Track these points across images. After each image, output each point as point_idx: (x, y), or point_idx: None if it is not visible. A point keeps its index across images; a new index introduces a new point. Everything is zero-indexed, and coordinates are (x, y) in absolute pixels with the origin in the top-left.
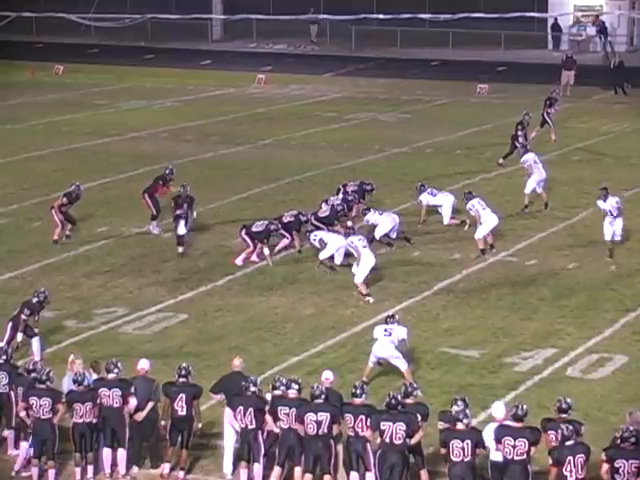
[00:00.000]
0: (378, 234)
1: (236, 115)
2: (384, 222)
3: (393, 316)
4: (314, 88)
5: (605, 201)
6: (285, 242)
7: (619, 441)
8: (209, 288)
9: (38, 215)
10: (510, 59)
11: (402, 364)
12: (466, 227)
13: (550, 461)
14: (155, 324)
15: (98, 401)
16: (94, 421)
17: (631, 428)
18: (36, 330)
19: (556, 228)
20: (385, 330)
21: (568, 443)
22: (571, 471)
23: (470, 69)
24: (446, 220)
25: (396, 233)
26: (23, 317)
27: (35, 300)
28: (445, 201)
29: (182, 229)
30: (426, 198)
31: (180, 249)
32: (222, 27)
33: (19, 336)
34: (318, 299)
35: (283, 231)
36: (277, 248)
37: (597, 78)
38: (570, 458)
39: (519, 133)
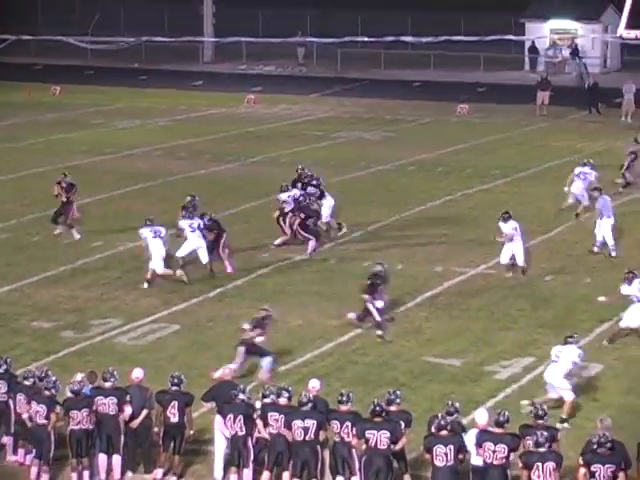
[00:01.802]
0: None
1: (227, 134)
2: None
3: (572, 336)
4: (301, 108)
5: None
6: (312, 244)
7: (595, 446)
8: (201, 299)
9: (37, 230)
10: (489, 80)
11: (567, 395)
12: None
13: (519, 464)
14: (149, 334)
15: (94, 408)
16: (90, 427)
17: (607, 434)
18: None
19: (534, 242)
20: (556, 356)
21: (540, 450)
22: (539, 477)
23: (451, 90)
24: (325, 219)
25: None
26: (252, 335)
27: (261, 315)
28: (327, 202)
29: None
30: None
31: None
32: (213, 49)
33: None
34: (305, 310)
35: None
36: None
37: (572, 98)
38: (539, 464)
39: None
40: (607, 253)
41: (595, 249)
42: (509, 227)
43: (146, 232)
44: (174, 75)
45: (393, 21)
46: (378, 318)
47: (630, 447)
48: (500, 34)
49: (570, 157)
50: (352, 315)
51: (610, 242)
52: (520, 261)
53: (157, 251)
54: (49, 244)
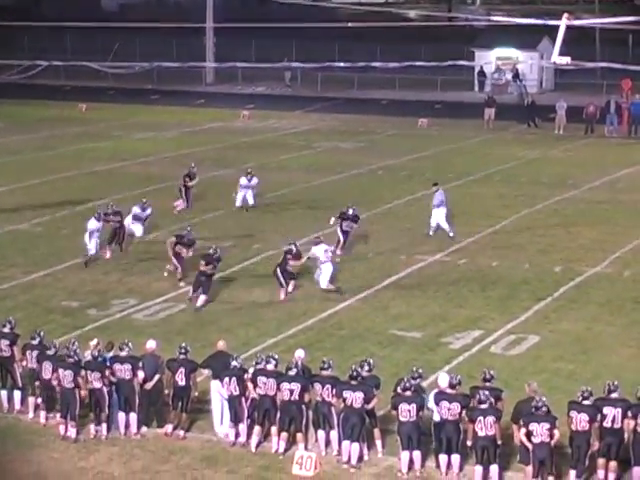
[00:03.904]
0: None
1: (225, 144)
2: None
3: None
4: (288, 122)
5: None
6: None
7: (534, 410)
8: None
9: (66, 224)
10: (445, 99)
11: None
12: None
13: (466, 419)
14: (160, 312)
15: (107, 373)
16: (104, 388)
17: (544, 399)
18: None
19: (482, 234)
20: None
21: (482, 406)
22: (481, 428)
23: (413, 107)
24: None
25: None
26: None
27: None
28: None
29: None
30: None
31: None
32: (214, 73)
33: None
34: (292, 292)
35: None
36: None
37: (514, 114)
38: (481, 418)
39: None
40: (448, 234)
41: (430, 233)
42: (320, 250)
43: None
44: (181, 95)
45: (365, 50)
46: None
47: (562, 405)
48: (454, 60)
49: (512, 163)
50: None
51: (445, 227)
52: (324, 284)
53: None
54: (77, 236)
